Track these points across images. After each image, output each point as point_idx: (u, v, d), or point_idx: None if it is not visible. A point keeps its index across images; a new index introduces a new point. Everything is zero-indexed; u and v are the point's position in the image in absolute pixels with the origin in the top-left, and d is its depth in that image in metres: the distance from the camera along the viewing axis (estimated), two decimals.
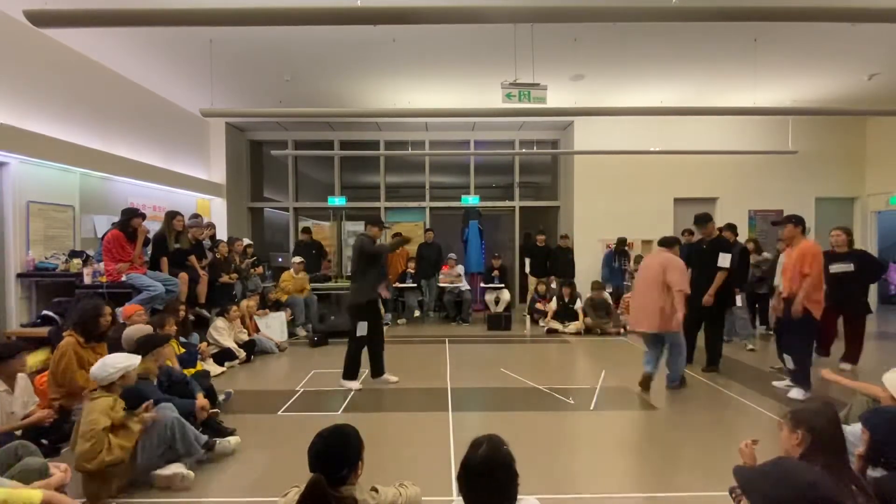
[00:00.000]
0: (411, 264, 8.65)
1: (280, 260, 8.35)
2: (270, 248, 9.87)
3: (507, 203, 10.19)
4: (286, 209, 10.23)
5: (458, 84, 7.11)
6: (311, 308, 7.51)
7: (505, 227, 10.62)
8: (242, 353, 5.65)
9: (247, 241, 7.64)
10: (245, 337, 5.98)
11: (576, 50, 5.94)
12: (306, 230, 9.05)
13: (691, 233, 7.71)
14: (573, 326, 7.41)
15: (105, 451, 2.59)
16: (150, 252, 5.51)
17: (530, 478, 1.58)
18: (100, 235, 5.69)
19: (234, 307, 6.01)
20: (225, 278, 6.37)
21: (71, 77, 5.76)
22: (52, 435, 3.17)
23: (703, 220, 5.24)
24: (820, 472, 1.46)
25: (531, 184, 10.63)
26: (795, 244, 4.41)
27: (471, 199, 9.83)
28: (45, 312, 4.96)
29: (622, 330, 7.38)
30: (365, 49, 5.89)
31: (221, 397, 4.00)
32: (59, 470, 2.33)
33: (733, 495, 2.00)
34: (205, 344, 5.29)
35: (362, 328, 4.61)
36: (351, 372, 4.67)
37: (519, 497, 1.53)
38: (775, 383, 4.64)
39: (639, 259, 8.38)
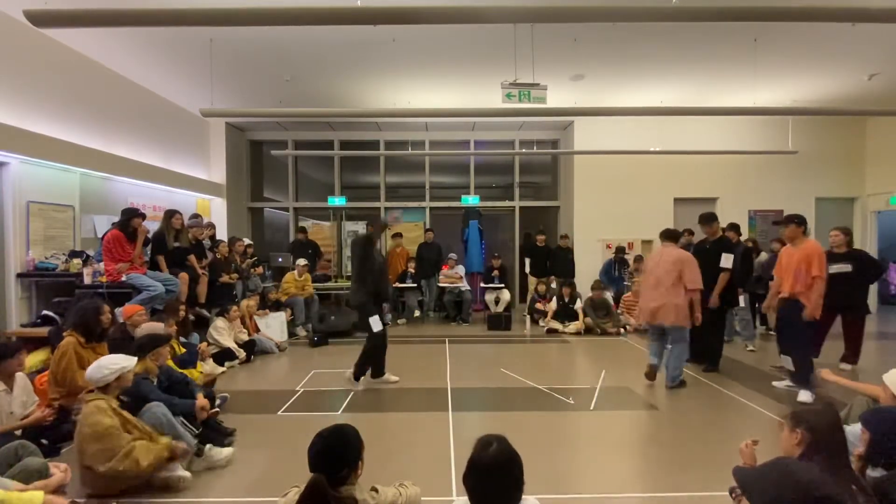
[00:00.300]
0: (411, 264, 8.65)
1: (280, 260, 8.35)
2: (270, 248, 9.86)
3: (507, 203, 10.19)
4: (286, 209, 10.23)
5: (458, 84, 7.11)
6: (312, 308, 7.51)
7: (505, 227, 10.62)
8: (242, 353, 5.65)
9: (247, 241, 7.64)
10: (245, 337, 5.98)
11: (576, 50, 5.94)
12: (302, 230, 9.06)
13: (691, 233, 7.72)
14: (573, 326, 7.41)
15: (123, 456, 2.55)
16: (150, 252, 5.51)
17: (530, 478, 1.58)
18: (100, 235, 5.69)
19: (234, 307, 6.01)
20: (225, 278, 6.37)
21: (71, 77, 5.76)
22: (52, 435, 3.17)
23: (709, 219, 5.26)
24: (819, 471, 1.47)
25: (531, 184, 10.63)
26: (798, 244, 4.38)
27: (471, 199, 9.83)
28: (45, 312, 4.97)
29: (622, 330, 7.39)
30: (365, 49, 5.89)
31: (217, 401, 3.98)
32: (59, 470, 2.33)
33: (733, 495, 2.00)
34: (205, 344, 5.29)
35: (376, 322, 4.59)
36: (363, 371, 4.67)
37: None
38: (775, 384, 4.63)
39: (639, 259, 8.39)
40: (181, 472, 2.76)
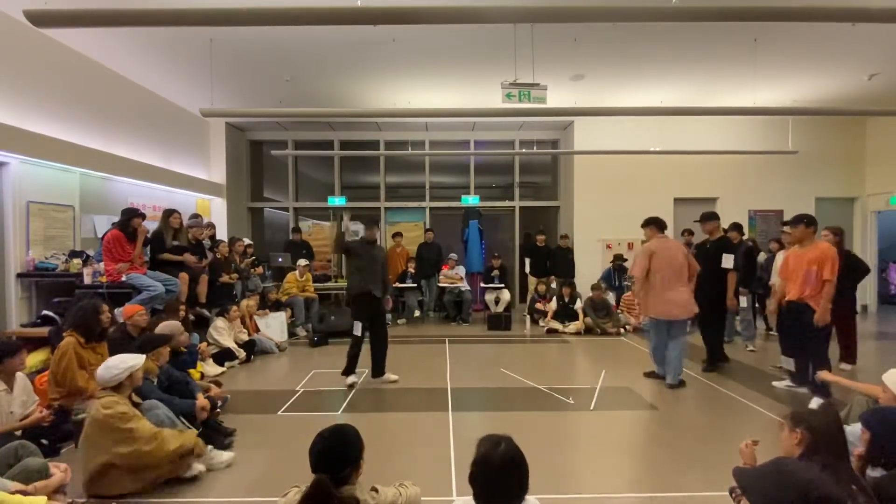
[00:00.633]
0: (411, 264, 8.65)
1: (280, 260, 8.35)
2: (270, 248, 9.87)
3: (507, 203, 10.19)
4: (286, 209, 10.23)
5: (458, 84, 7.11)
6: (312, 308, 7.51)
7: (505, 227, 10.62)
8: (242, 353, 5.65)
9: (247, 241, 7.64)
10: (245, 337, 5.98)
11: (576, 50, 5.94)
12: (296, 230, 9.05)
13: (691, 233, 7.73)
14: (573, 326, 7.41)
15: (151, 437, 2.62)
16: (149, 252, 5.50)
17: (530, 477, 1.58)
18: (100, 235, 5.69)
19: (234, 307, 6.01)
20: (225, 278, 6.37)
21: (71, 77, 5.76)
22: (52, 435, 3.17)
23: (705, 217, 5.26)
24: (818, 471, 1.47)
25: (531, 184, 10.64)
26: (807, 245, 4.27)
27: (471, 199, 9.83)
28: (45, 312, 4.97)
29: (622, 330, 7.38)
30: (365, 49, 5.90)
31: (219, 403, 3.98)
32: (59, 470, 2.33)
33: (733, 495, 2.00)
34: (205, 344, 5.29)
35: (357, 328, 4.68)
36: (348, 369, 4.74)
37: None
38: (775, 384, 4.62)
39: None
40: (200, 466, 2.83)
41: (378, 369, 4.85)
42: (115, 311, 4.37)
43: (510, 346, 6.66)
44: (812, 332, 4.13)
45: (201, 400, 3.29)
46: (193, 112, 8.04)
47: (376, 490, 1.97)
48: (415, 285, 8.51)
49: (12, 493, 2.03)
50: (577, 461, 3.14)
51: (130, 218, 5.09)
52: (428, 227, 9.57)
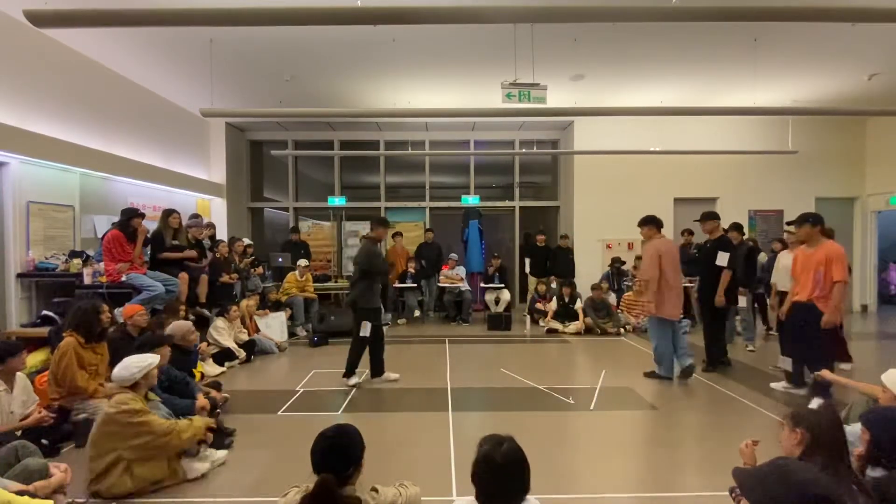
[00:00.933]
0: (411, 264, 8.65)
1: (280, 260, 8.35)
2: (270, 248, 9.87)
3: (507, 203, 10.19)
4: (286, 209, 10.23)
5: (458, 84, 7.11)
6: (312, 308, 7.51)
7: (505, 227, 10.62)
8: (242, 353, 5.65)
9: (247, 241, 7.64)
10: (245, 337, 5.98)
11: (576, 50, 5.94)
12: (295, 230, 9.05)
13: (691, 233, 7.74)
14: (573, 326, 7.41)
15: (168, 428, 2.70)
16: (149, 252, 5.50)
17: (531, 477, 1.58)
18: (100, 235, 5.68)
19: (234, 307, 6.01)
20: (225, 278, 6.37)
21: (71, 77, 5.76)
22: (52, 435, 3.17)
23: (704, 217, 5.26)
24: (818, 470, 1.47)
25: (531, 184, 10.64)
26: (814, 245, 4.17)
27: (471, 199, 9.83)
28: (45, 312, 4.96)
29: (622, 330, 7.38)
30: (365, 49, 5.89)
31: (220, 403, 3.99)
32: (59, 470, 2.33)
33: (733, 495, 2.00)
34: (205, 344, 5.29)
35: (366, 329, 4.64)
36: (351, 370, 4.71)
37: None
38: (773, 385, 4.56)
39: (640, 259, 8.38)
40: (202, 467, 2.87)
41: (378, 369, 4.85)
42: (115, 311, 4.37)
43: (510, 346, 6.66)
44: (818, 333, 4.05)
45: (201, 400, 3.29)
46: (193, 112, 8.04)
47: (376, 490, 1.97)
48: (415, 285, 8.51)
49: (15, 493, 2.03)
50: (577, 461, 3.14)
51: (130, 218, 5.09)
52: (428, 227, 9.57)
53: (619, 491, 2.71)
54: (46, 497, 2.13)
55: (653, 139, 8.74)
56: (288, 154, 9.61)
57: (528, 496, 1.56)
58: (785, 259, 5.22)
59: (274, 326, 6.60)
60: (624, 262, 8.64)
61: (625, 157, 8.79)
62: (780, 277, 5.27)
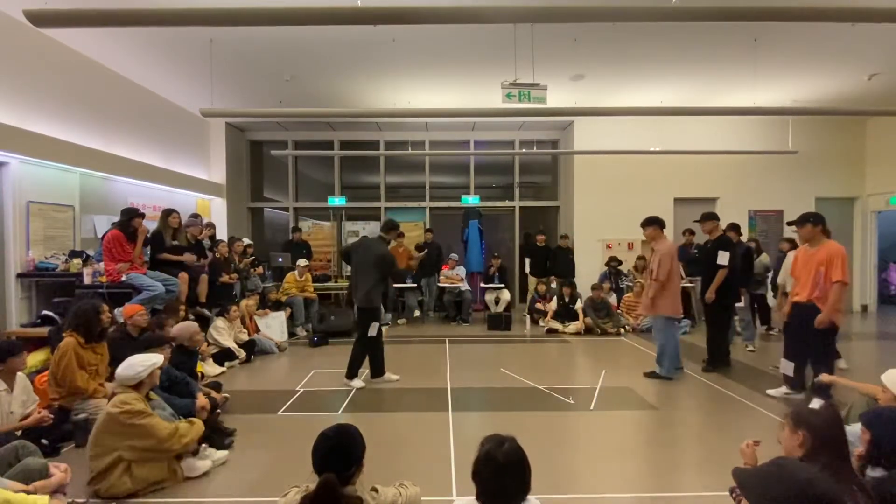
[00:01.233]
0: (413, 263, 8.64)
1: (280, 260, 8.35)
2: (270, 248, 9.87)
3: (507, 203, 10.19)
4: (286, 209, 10.23)
5: (458, 84, 7.11)
6: (311, 308, 7.51)
7: (505, 227, 10.62)
8: (242, 353, 5.65)
9: (247, 241, 7.64)
10: (245, 337, 5.97)
11: (576, 50, 5.94)
12: (297, 229, 9.05)
13: (692, 233, 7.74)
14: (573, 326, 7.41)
15: (172, 430, 2.73)
16: (149, 252, 5.50)
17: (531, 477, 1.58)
18: (100, 235, 5.69)
19: (234, 307, 6.01)
20: (225, 278, 6.37)
21: (71, 77, 5.76)
22: (52, 435, 3.17)
23: (704, 217, 5.28)
24: (817, 470, 1.47)
25: (531, 184, 10.63)
26: (816, 245, 4.13)
27: (471, 199, 9.83)
28: (45, 312, 4.96)
29: (622, 330, 7.38)
30: (365, 49, 5.89)
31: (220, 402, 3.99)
32: (59, 470, 2.33)
33: (734, 495, 2.00)
34: (205, 344, 5.29)
35: (374, 329, 4.64)
36: (354, 371, 4.70)
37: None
38: (771, 392, 4.38)
39: (641, 259, 8.40)
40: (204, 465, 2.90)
41: (378, 370, 4.85)
42: (115, 311, 4.37)
43: (510, 346, 6.66)
44: (819, 335, 4.00)
45: (201, 400, 3.29)
46: (193, 112, 8.04)
47: (376, 490, 1.97)
48: (415, 285, 8.51)
49: (16, 492, 2.03)
50: (577, 461, 3.14)
51: (131, 218, 5.09)
52: (428, 227, 9.57)
53: (619, 491, 2.71)
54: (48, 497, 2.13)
55: (653, 139, 8.74)
56: (288, 154, 9.61)
57: (528, 496, 1.56)
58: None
59: (274, 326, 6.60)
60: (621, 262, 8.64)
61: (625, 157, 8.79)
62: (789, 278, 5.23)
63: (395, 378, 4.86)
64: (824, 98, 7.71)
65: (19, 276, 5.00)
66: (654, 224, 5.01)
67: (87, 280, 4.95)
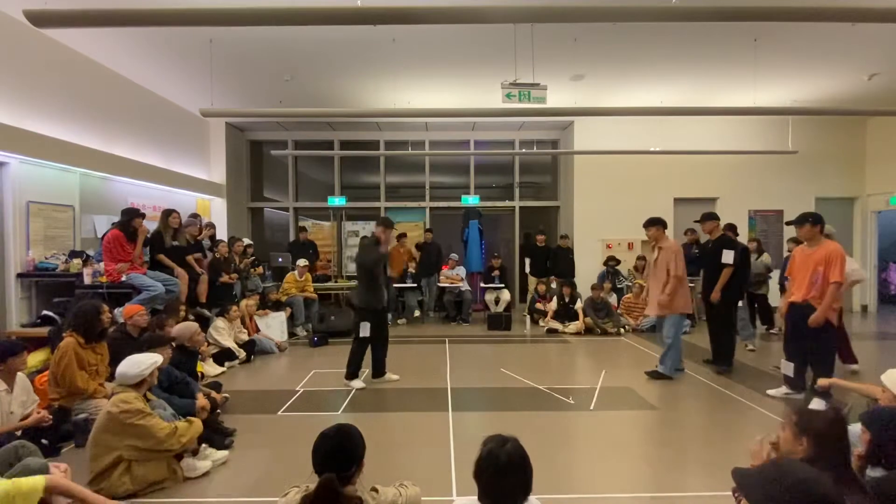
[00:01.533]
0: (412, 264, 8.65)
1: (280, 260, 8.35)
2: (271, 248, 9.86)
3: (507, 203, 10.19)
4: (286, 209, 10.23)
5: (458, 84, 7.11)
6: (312, 308, 7.51)
7: (505, 227, 10.62)
8: (242, 353, 5.65)
9: (247, 241, 7.64)
10: (245, 337, 5.97)
11: (576, 50, 5.94)
12: (303, 229, 9.05)
13: (694, 232, 7.74)
14: (573, 326, 7.41)
15: (171, 431, 2.73)
16: (148, 252, 5.50)
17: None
18: (100, 235, 5.69)
19: (234, 307, 6.01)
20: (225, 278, 6.37)
21: (71, 77, 5.76)
22: (52, 435, 3.17)
23: (704, 217, 5.29)
24: (817, 470, 1.46)
25: (531, 184, 10.63)
26: (814, 245, 4.12)
27: (471, 199, 9.82)
28: (45, 312, 4.97)
29: (622, 330, 7.38)
30: (365, 49, 5.89)
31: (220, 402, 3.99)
32: (59, 470, 2.33)
33: (736, 495, 1.99)
34: (205, 344, 5.28)
35: (365, 329, 4.64)
36: (353, 371, 4.69)
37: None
38: (771, 392, 4.37)
39: (642, 259, 8.39)
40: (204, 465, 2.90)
41: (379, 370, 4.85)
42: (115, 311, 4.37)
43: (510, 346, 6.66)
44: (818, 334, 3.99)
45: (201, 400, 3.29)
46: (193, 112, 8.04)
47: (376, 490, 1.97)
48: (415, 285, 8.51)
49: None
50: (577, 461, 3.14)
51: (131, 218, 5.10)
52: (428, 227, 9.57)
53: (619, 491, 2.71)
54: (47, 497, 2.13)
55: (653, 139, 8.74)
56: (288, 154, 9.61)
57: (529, 496, 1.56)
58: None
59: (274, 326, 6.60)
60: (619, 262, 8.63)
61: (625, 157, 8.79)
62: None
63: (395, 378, 4.86)
64: (824, 98, 7.71)
65: (19, 276, 5.00)
66: (656, 224, 5.02)
67: (87, 280, 4.95)
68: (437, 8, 3.64)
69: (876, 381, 2.71)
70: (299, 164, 10.38)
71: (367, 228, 9.97)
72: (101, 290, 4.84)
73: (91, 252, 5.52)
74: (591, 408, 4.08)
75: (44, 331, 4.64)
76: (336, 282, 8.80)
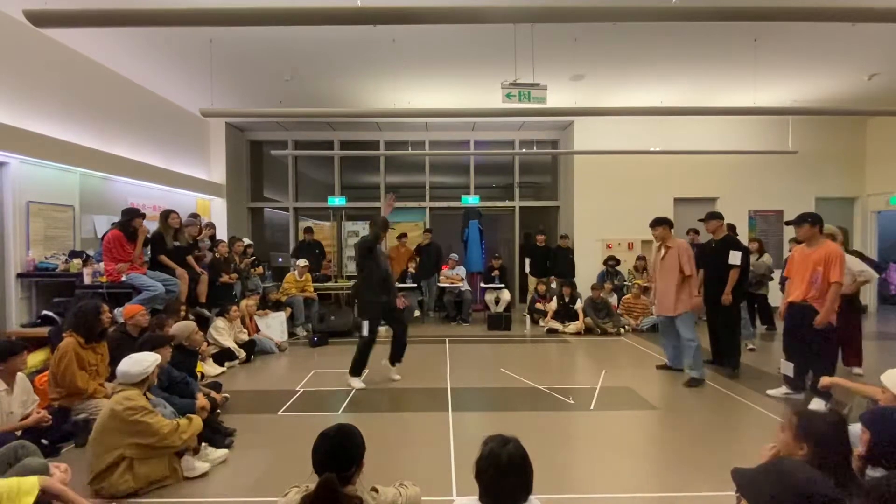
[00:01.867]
0: (412, 264, 8.64)
1: (280, 260, 8.35)
2: (270, 248, 9.87)
3: (507, 203, 10.19)
4: (286, 209, 10.23)
5: (458, 84, 7.11)
6: (312, 308, 7.51)
7: (505, 227, 10.62)
8: (242, 353, 5.65)
9: (247, 241, 7.64)
10: (245, 337, 5.97)
11: (576, 50, 5.94)
12: (308, 230, 9.05)
13: (696, 232, 7.74)
14: (573, 326, 7.41)
15: (172, 429, 2.75)
16: (149, 253, 5.50)
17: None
18: (100, 235, 5.69)
19: (234, 307, 6.01)
20: (225, 278, 6.37)
21: (71, 77, 5.76)
22: (52, 435, 3.17)
23: (708, 216, 5.28)
24: (816, 470, 1.46)
25: (531, 184, 10.63)
26: (813, 245, 4.09)
27: (471, 199, 9.83)
28: (45, 312, 4.96)
29: (622, 330, 7.38)
30: (365, 49, 5.89)
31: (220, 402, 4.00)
32: (59, 470, 2.33)
33: (737, 495, 1.99)
34: (205, 344, 5.28)
35: (366, 328, 4.64)
36: (356, 369, 4.69)
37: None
38: (771, 392, 4.38)
39: (642, 259, 8.39)
40: (203, 466, 2.90)
41: (397, 355, 4.90)
42: (115, 311, 4.37)
43: (510, 346, 6.66)
44: (818, 336, 3.97)
45: (201, 400, 3.29)
46: (193, 112, 8.04)
47: (376, 490, 1.97)
48: (415, 285, 8.50)
49: None
50: (577, 461, 3.14)
51: (131, 218, 5.09)
52: (428, 227, 9.57)
53: (619, 491, 2.71)
54: (46, 498, 2.13)
55: (653, 139, 8.74)
56: (288, 154, 9.61)
57: (530, 496, 1.56)
58: None
59: (274, 326, 6.60)
60: (619, 262, 8.63)
61: (625, 157, 8.79)
62: None
63: (397, 377, 4.86)
64: (824, 98, 7.71)
65: (19, 276, 5.00)
66: (663, 224, 5.00)
67: (87, 280, 4.96)
68: (437, 8, 3.64)
69: (876, 381, 2.71)
70: (299, 164, 10.38)
71: (367, 229, 9.95)
72: (101, 290, 4.84)
73: (91, 252, 5.52)
74: (591, 408, 4.08)
75: (44, 331, 4.64)
76: (336, 282, 8.79)
